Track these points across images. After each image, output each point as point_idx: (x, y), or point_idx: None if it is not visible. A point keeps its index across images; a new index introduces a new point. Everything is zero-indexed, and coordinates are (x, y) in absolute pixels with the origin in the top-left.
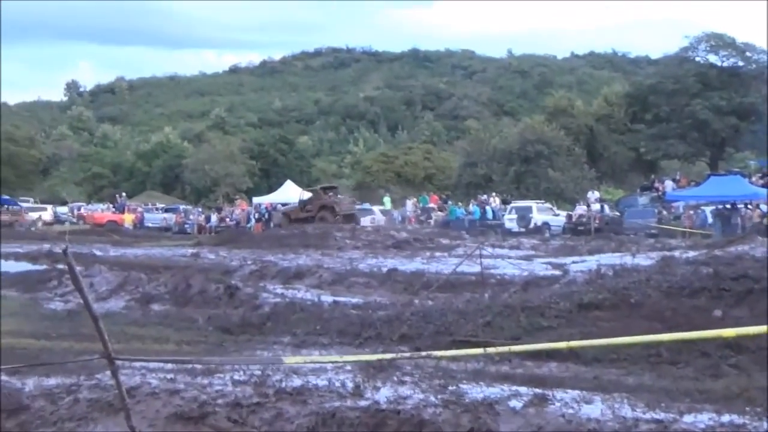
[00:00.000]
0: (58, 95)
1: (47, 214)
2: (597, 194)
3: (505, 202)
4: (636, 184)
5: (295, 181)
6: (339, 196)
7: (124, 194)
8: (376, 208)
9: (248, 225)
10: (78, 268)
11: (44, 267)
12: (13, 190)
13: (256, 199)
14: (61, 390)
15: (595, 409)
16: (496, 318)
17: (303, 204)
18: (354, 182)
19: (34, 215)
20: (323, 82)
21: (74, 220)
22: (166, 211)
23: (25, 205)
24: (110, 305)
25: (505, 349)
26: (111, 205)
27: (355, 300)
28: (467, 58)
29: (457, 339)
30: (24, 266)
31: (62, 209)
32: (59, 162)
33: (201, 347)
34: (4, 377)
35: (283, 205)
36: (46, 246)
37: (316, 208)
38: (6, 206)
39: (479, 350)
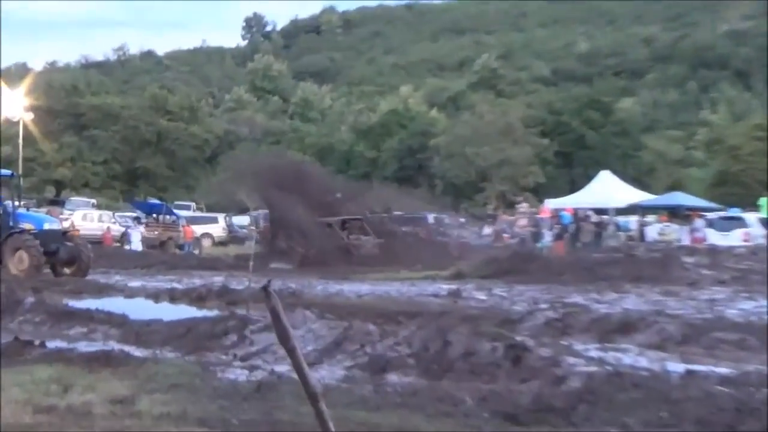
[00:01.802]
0: (233, 38)
1: (218, 228)
2: None
3: None
4: None
5: (614, 171)
6: (363, 237)
7: (338, 195)
8: (750, 216)
9: (540, 243)
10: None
11: (216, 313)
12: (164, 190)
13: (551, 202)
14: None
15: None
16: None
17: None
18: (712, 173)
19: (198, 229)
20: (659, 9)
21: (258, 237)
22: (405, 221)
23: (184, 213)
24: (323, 375)
25: None
26: None
27: (722, 369)
28: None
29: None
30: (185, 311)
31: (240, 219)
32: (233, 143)
33: None
34: None
35: (599, 212)
36: (219, 279)
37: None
38: (156, 215)
39: None
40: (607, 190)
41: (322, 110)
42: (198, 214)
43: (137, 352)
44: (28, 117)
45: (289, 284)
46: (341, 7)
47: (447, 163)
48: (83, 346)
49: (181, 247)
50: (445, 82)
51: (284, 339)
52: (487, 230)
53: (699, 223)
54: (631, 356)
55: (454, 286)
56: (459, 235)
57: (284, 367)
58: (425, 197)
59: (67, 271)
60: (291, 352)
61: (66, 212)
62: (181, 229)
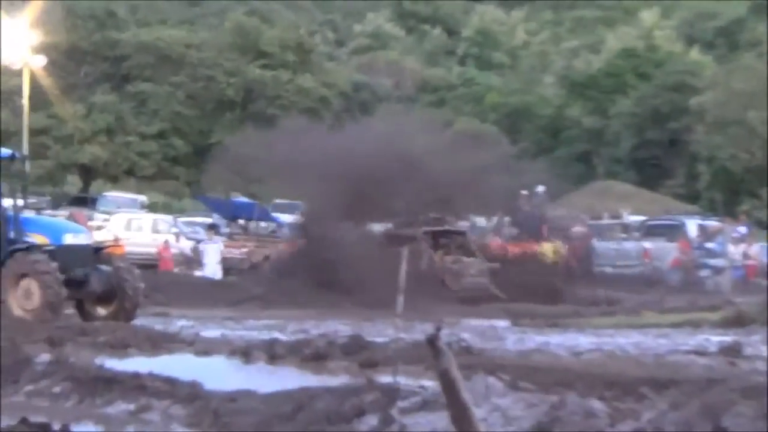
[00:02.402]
0: None
1: None
2: None
3: None
4: None
5: None
6: (464, 259)
7: (541, 188)
8: None
9: None
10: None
11: (344, 381)
12: (256, 180)
13: None
14: None
15: None
16: None
17: None
18: None
19: None
20: None
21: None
22: (651, 229)
23: (289, 218)
24: None
25: None
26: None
27: None
28: None
29: None
30: (293, 378)
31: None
32: (368, 104)
33: None
34: None
35: None
36: (346, 324)
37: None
38: (244, 221)
39: None
40: None
41: (512, 50)
42: None
43: None
44: (38, 63)
45: (460, 334)
46: None
47: (717, 136)
48: None
49: None
50: (713, 4)
51: (462, 422)
52: None
53: None
54: None
55: (729, 338)
56: (738, 253)
57: None
58: (682, 193)
59: (102, 311)
60: None
61: (99, 217)
62: (284, 243)
